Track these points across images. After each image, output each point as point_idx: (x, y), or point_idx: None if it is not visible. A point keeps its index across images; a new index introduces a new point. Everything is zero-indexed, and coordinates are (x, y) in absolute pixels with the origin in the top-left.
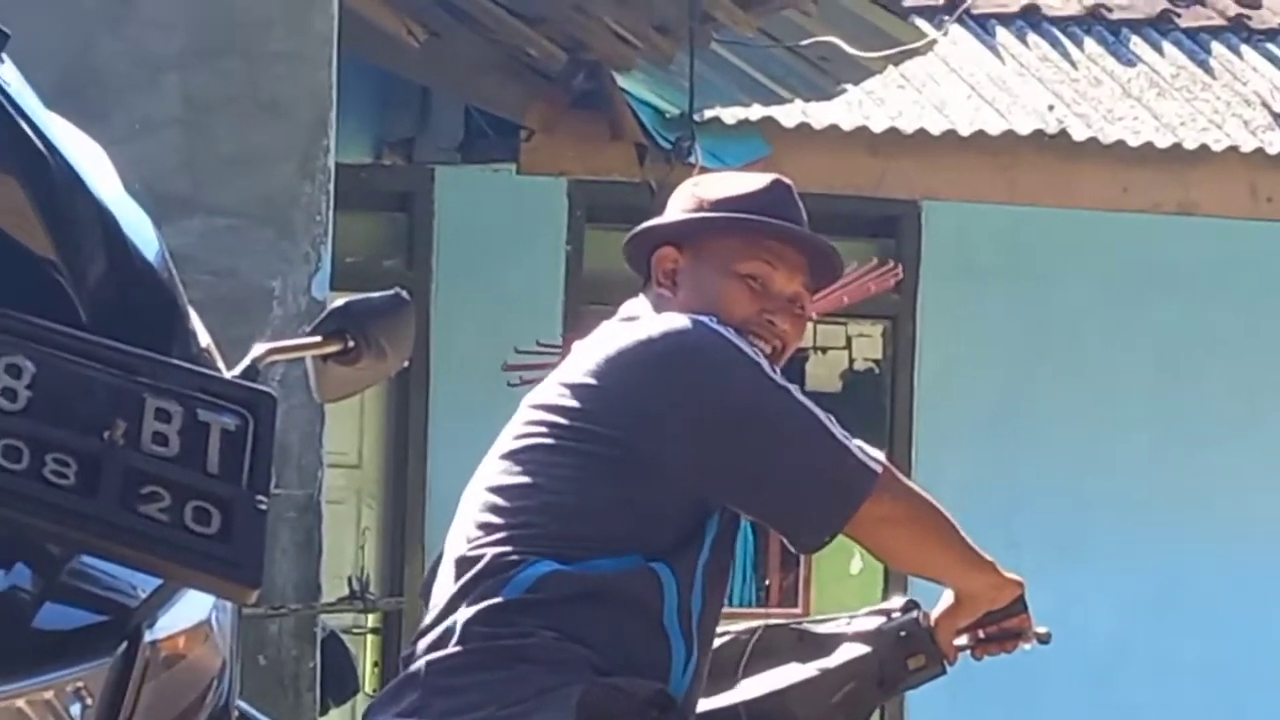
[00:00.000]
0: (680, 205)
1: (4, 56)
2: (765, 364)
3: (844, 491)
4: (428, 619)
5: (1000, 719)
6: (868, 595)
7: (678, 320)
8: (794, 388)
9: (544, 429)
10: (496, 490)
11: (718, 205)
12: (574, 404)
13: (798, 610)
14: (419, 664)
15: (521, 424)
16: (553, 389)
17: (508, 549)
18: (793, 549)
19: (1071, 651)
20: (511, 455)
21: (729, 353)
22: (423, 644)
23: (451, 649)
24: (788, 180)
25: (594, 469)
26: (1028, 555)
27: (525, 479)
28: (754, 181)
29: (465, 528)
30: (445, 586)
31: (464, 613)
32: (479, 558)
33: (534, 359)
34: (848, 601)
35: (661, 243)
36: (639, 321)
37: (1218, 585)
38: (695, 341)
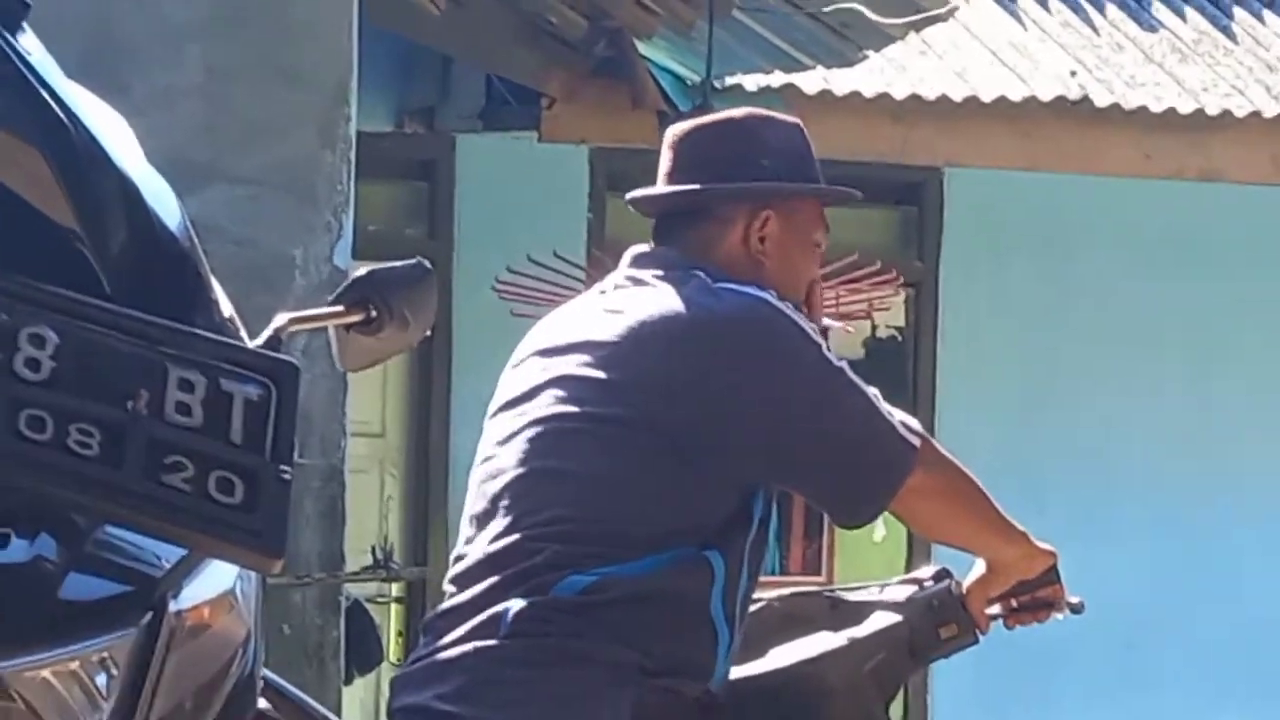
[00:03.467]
0: (736, 150)
1: (26, 26)
2: (824, 343)
3: (888, 470)
4: (463, 596)
5: (1025, 686)
6: (891, 563)
7: (734, 299)
8: (846, 366)
9: (588, 409)
10: (541, 476)
11: (791, 165)
12: (620, 382)
13: (821, 578)
14: (465, 648)
15: (555, 397)
16: (588, 352)
17: (562, 547)
18: (836, 524)
19: (1097, 619)
20: (555, 435)
21: (789, 334)
22: (463, 625)
23: (500, 639)
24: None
25: (648, 462)
26: (1053, 523)
27: (574, 467)
28: (797, 136)
29: (505, 502)
30: (484, 567)
31: (514, 604)
32: (532, 551)
33: (527, 281)
34: (871, 570)
35: (763, 203)
36: (688, 295)
37: (1245, 553)
38: (754, 324)
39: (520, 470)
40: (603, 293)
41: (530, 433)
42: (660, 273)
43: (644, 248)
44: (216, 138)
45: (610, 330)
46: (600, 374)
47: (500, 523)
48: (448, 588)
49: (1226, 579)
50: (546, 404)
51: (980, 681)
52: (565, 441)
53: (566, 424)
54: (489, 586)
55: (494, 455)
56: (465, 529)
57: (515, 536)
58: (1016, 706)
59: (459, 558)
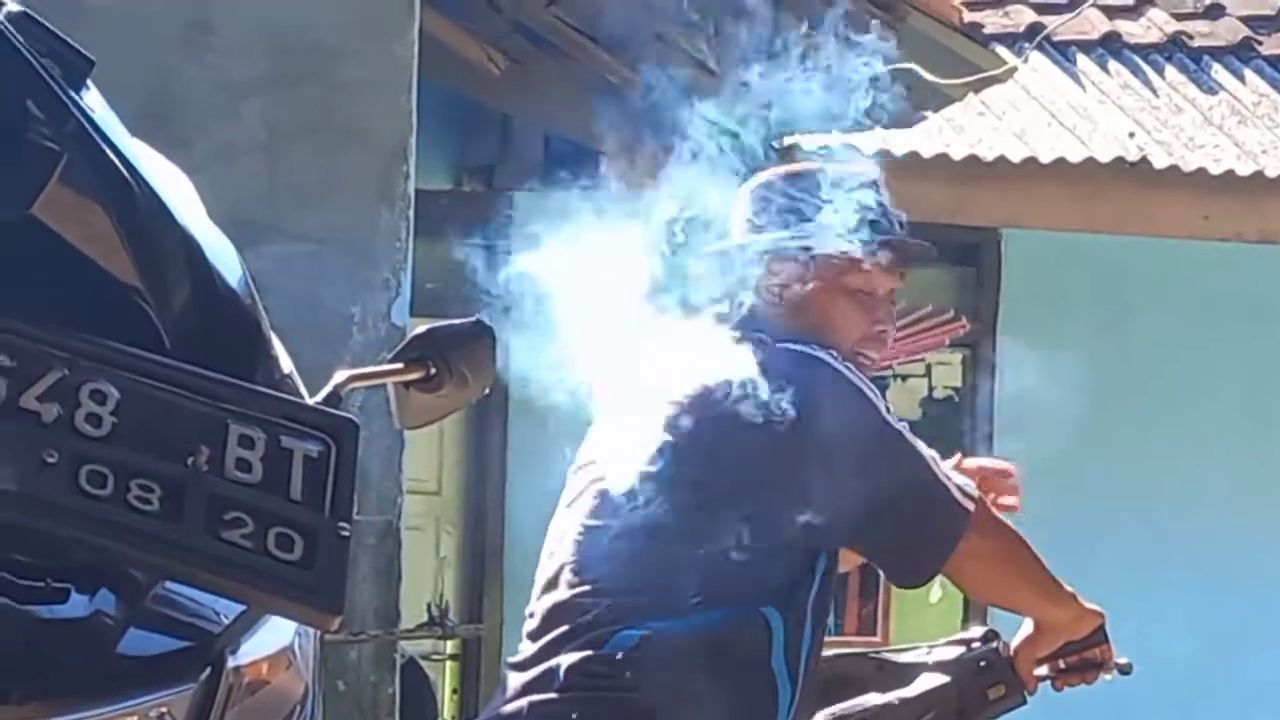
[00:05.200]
0: (770, 206)
1: (89, 84)
2: (882, 405)
3: (944, 533)
4: (526, 652)
5: None
6: (947, 624)
7: (795, 360)
8: (904, 427)
9: (649, 467)
10: (600, 532)
11: (816, 213)
12: (681, 443)
13: (877, 639)
14: (521, 703)
15: (620, 455)
16: (653, 412)
17: (615, 601)
18: (892, 584)
19: (1151, 682)
20: (614, 495)
21: (849, 396)
22: (522, 678)
23: (553, 693)
24: (874, 175)
25: (705, 519)
26: (1107, 585)
27: (632, 523)
28: (850, 184)
29: (567, 559)
30: (544, 624)
31: (567, 658)
32: (587, 607)
33: None
34: (927, 630)
35: (770, 255)
36: (750, 354)
37: None
38: (815, 385)
39: (581, 528)
40: (676, 352)
41: (593, 491)
42: (725, 331)
43: (719, 306)
44: (276, 195)
45: (675, 391)
46: (662, 435)
47: (561, 580)
48: (520, 645)
49: (1278, 640)
50: (610, 465)
51: None
52: (622, 500)
53: (626, 484)
54: (546, 642)
55: (562, 515)
56: (535, 588)
57: (572, 593)
58: None
59: (529, 615)
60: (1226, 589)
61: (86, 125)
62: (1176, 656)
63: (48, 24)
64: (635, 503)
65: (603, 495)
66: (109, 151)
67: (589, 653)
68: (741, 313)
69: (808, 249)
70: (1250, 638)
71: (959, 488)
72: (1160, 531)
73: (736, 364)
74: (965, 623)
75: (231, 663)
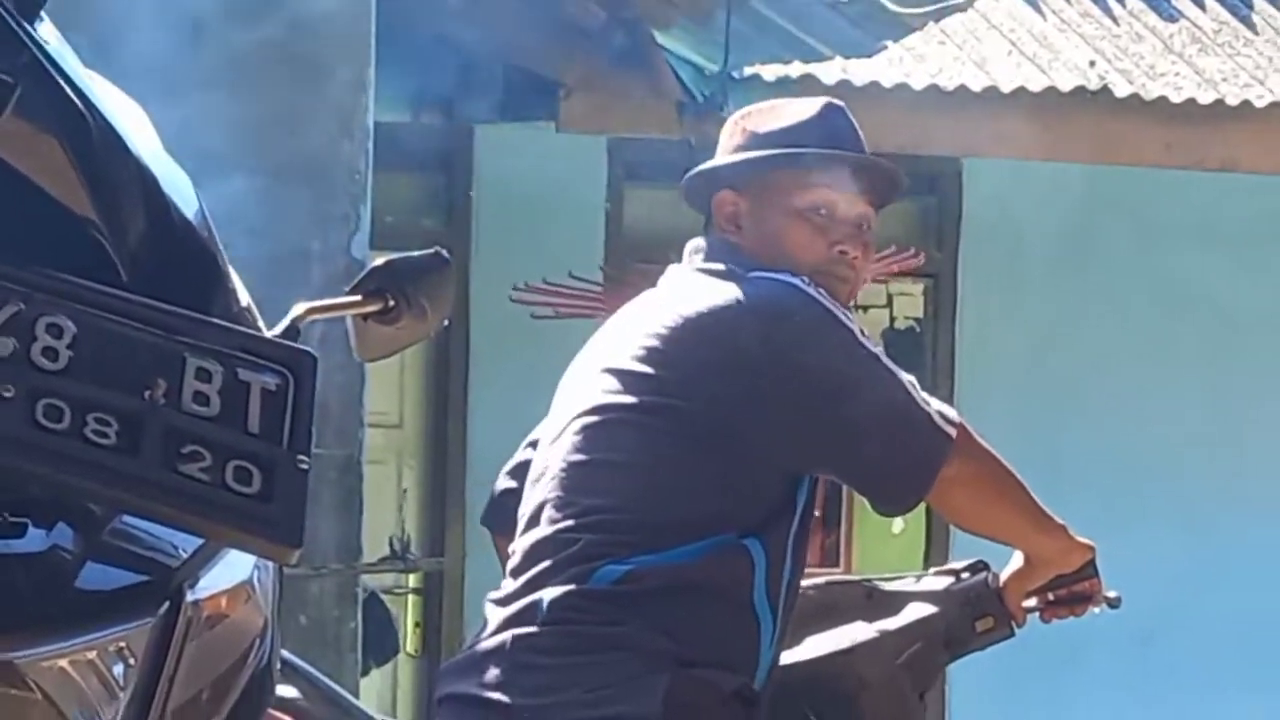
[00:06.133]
0: (731, 143)
1: (44, 15)
2: (856, 329)
3: (926, 457)
4: (508, 588)
5: (1042, 679)
6: (909, 556)
7: (769, 287)
8: (880, 351)
9: (630, 399)
10: (583, 466)
11: (769, 139)
12: (662, 374)
13: (839, 570)
14: (504, 636)
15: (601, 390)
16: (632, 346)
17: (598, 536)
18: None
19: (1115, 613)
20: (598, 427)
21: (825, 321)
22: (505, 613)
23: (537, 627)
24: (839, 102)
25: (687, 450)
26: (1070, 517)
27: (614, 457)
28: (804, 109)
29: (549, 494)
30: (526, 560)
31: (550, 592)
32: (571, 540)
33: (542, 295)
34: (889, 562)
35: (720, 185)
36: (724, 285)
37: (1265, 548)
38: (790, 311)
39: (563, 464)
40: (654, 287)
41: (574, 427)
42: (699, 264)
43: (696, 241)
44: (234, 128)
45: (652, 323)
46: (640, 366)
47: (543, 516)
48: (503, 581)
49: (1246, 574)
50: (590, 400)
51: (996, 674)
52: (604, 434)
53: (606, 416)
54: (530, 577)
55: (544, 453)
56: (519, 525)
57: (554, 528)
58: (1035, 698)
59: (511, 552)
60: (1194, 523)
61: (41, 57)
62: (1143, 592)
63: None
64: (617, 437)
65: (584, 431)
66: (63, 84)
67: (573, 587)
68: (708, 244)
69: (754, 169)
70: (1218, 573)
71: (939, 413)
72: (1125, 464)
73: (710, 294)
74: (927, 553)
75: (190, 596)
